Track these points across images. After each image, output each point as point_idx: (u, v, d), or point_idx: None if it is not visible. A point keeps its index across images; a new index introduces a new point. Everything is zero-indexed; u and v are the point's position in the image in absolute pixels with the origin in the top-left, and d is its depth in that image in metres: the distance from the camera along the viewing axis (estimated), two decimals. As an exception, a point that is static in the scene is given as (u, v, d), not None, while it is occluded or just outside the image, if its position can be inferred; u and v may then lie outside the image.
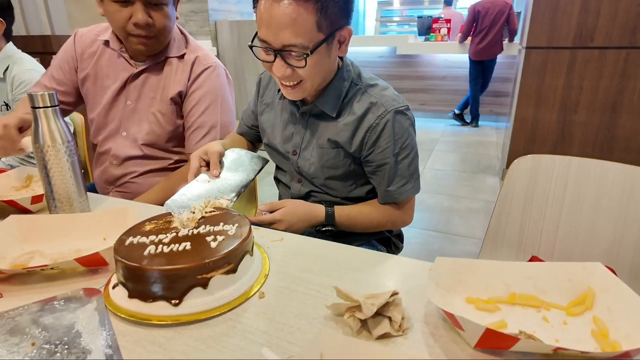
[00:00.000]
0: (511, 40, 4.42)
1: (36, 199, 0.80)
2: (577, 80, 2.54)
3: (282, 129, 0.94)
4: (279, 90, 0.93)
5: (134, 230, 0.58)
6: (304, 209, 0.86)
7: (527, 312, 0.51)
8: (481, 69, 4.50)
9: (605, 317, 0.47)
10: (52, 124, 0.73)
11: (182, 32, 1.12)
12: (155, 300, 0.50)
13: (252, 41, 0.77)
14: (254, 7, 0.76)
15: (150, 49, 1.02)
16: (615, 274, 0.72)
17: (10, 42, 1.44)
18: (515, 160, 0.98)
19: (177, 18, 1.04)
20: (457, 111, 4.91)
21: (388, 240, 0.98)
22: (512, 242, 0.99)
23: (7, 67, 1.40)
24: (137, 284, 0.50)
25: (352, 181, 0.92)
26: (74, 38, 1.11)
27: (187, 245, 0.53)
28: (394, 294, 0.49)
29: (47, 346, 0.45)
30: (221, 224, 0.59)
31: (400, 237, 1.03)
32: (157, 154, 1.12)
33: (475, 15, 4.32)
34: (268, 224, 0.82)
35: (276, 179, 1.04)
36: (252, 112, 1.03)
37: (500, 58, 4.53)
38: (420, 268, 0.62)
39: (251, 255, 0.58)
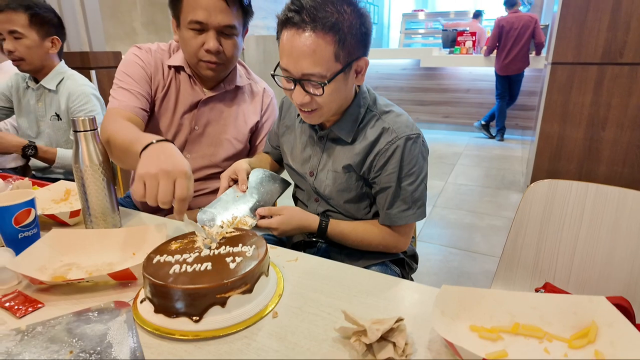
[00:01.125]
0: (538, 53, 4.35)
1: (74, 214, 0.87)
2: (605, 96, 2.48)
3: (301, 150, 0.98)
4: (299, 114, 0.98)
5: (161, 249, 0.63)
6: (299, 218, 0.91)
7: (529, 342, 0.52)
8: (507, 84, 4.45)
9: (608, 351, 0.48)
10: (91, 147, 0.80)
11: (241, 63, 1.20)
12: (178, 316, 0.54)
13: (274, 70, 0.82)
14: (277, 38, 0.81)
15: (217, 76, 1.08)
16: (630, 306, 0.72)
17: (62, 60, 1.56)
18: (532, 184, 0.99)
19: (243, 49, 1.10)
20: (483, 122, 4.85)
21: (402, 261, 1.00)
22: (528, 265, 0.99)
23: (61, 81, 1.51)
24: (163, 300, 0.55)
25: (366, 203, 0.95)
26: (150, 54, 1.09)
27: (209, 265, 0.58)
28: (399, 320, 0.51)
29: (83, 355, 0.50)
30: (240, 245, 0.63)
31: (414, 257, 1.05)
32: (216, 177, 1.17)
33: (500, 31, 4.29)
34: (265, 228, 0.88)
35: (294, 197, 1.08)
36: (275, 133, 1.09)
37: (527, 71, 4.46)
38: (428, 294, 0.64)
39: (266, 275, 0.62)
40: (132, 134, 0.84)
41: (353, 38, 0.76)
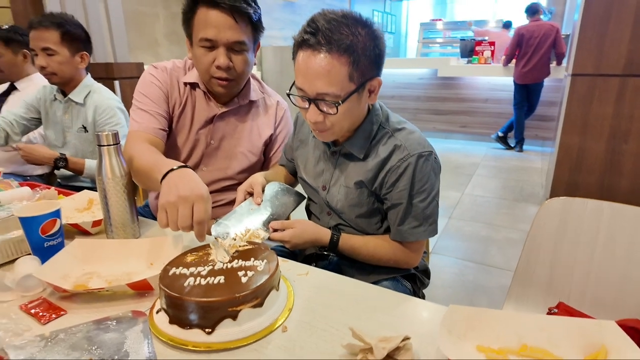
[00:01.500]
0: (559, 63, 4.29)
1: (96, 223, 0.91)
2: (627, 109, 2.43)
3: (314, 164, 1.00)
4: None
5: (177, 261, 0.66)
6: (311, 232, 0.92)
7: None
8: (526, 93, 4.40)
9: (616, 377, 0.48)
10: (114, 160, 0.83)
11: (255, 77, 1.23)
12: (191, 328, 0.56)
13: (290, 89, 0.84)
14: (293, 58, 0.84)
15: (229, 91, 1.10)
16: None
17: (89, 73, 1.63)
18: (547, 201, 0.98)
19: (254, 64, 1.13)
20: (500, 134, 4.80)
21: (413, 277, 1.00)
22: (541, 283, 0.98)
23: (87, 94, 1.58)
24: (177, 311, 0.57)
25: (377, 219, 0.96)
26: (166, 72, 1.12)
27: (221, 279, 0.60)
28: (406, 338, 0.52)
29: (104, 362, 0.53)
30: (252, 259, 0.65)
31: (426, 272, 1.05)
32: (233, 188, 1.20)
33: (520, 39, 4.25)
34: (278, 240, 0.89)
35: (307, 210, 1.10)
36: (290, 146, 1.11)
37: (547, 81, 4.40)
38: (437, 312, 0.64)
39: (277, 290, 0.63)
40: (152, 160, 0.89)
41: (367, 59, 0.78)
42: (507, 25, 5.52)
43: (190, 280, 0.60)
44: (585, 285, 0.92)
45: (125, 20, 3.10)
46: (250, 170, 1.21)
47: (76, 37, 1.52)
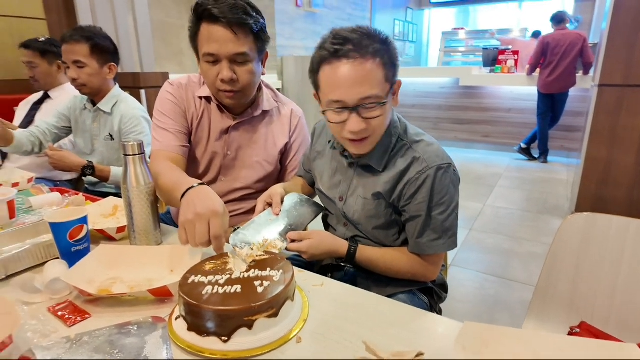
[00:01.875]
0: (586, 73, 4.18)
1: (120, 230, 0.94)
2: (658, 121, 2.34)
3: (331, 176, 1.01)
4: (330, 141, 1.01)
5: (196, 269, 0.67)
6: (329, 243, 0.92)
7: None
8: (550, 103, 4.30)
9: (639, 403, 0.47)
10: (138, 169, 0.87)
11: (268, 87, 1.25)
12: (208, 335, 0.58)
13: (323, 110, 0.85)
14: (313, 77, 0.86)
15: (238, 102, 1.12)
16: None
17: (117, 83, 1.70)
18: (569, 217, 0.96)
19: (263, 74, 1.15)
20: (523, 145, 4.69)
21: (430, 291, 0.99)
22: (563, 301, 0.95)
23: (115, 104, 1.65)
24: (195, 319, 0.59)
25: (395, 230, 0.96)
26: (182, 88, 1.17)
27: (238, 288, 0.61)
28: (420, 354, 0.52)
29: (124, 366, 0.54)
30: (268, 269, 0.66)
31: (444, 287, 1.04)
32: (251, 197, 1.23)
33: (545, 47, 4.17)
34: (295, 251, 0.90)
35: (325, 221, 1.11)
36: (307, 158, 1.13)
37: (573, 91, 4.29)
38: (452, 328, 0.64)
39: (292, 300, 0.64)
40: (174, 179, 0.94)
41: (391, 61, 0.83)
42: (536, 34, 5.43)
43: (209, 288, 0.61)
44: (609, 306, 0.89)
45: (152, 31, 3.21)
46: (267, 179, 1.23)
47: (104, 50, 1.59)
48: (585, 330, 0.84)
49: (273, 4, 4.01)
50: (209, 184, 1.22)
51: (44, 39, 1.95)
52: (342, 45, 0.79)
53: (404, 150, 0.91)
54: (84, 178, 1.77)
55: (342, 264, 1.01)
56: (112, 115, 1.64)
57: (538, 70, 4.34)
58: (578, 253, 0.93)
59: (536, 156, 4.67)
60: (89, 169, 1.57)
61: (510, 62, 4.80)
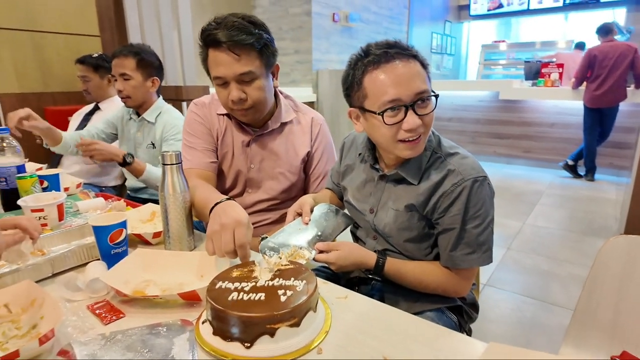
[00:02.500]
0: (638, 86, 3.94)
1: (156, 235, 0.99)
2: None
3: (361, 188, 1.01)
4: (360, 153, 1.02)
5: (223, 275, 0.70)
6: (357, 254, 0.92)
7: None
8: (598, 118, 4.08)
9: None
10: (175, 178, 0.91)
11: (287, 97, 1.28)
12: (232, 341, 0.60)
13: (380, 112, 0.84)
14: (355, 88, 0.88)
15: (252, 118, 1.16)
16: None
17: (160, 96, 1.80)
18: (612, 238, 0.90)
19: (276, 86, 1.18)
20: (569, 161, 4.46)
21: (460, 309, 0.97)
22: (604, 327, 0.90)
23: (159, 114, 1.75)
24: (220, 323, 0.61)
25: (427, 244, 0.95)
26: (205, 107, 1.23)
27: (262, 296, 0.63)
28: (441, 372, 0.51)
29: (153, 365, 0.57)
30: (292, 279, 0.68)
31: (474, 306, 1.01)
32: (277, 207, 1.27)
33: (592, 60, 3.99)
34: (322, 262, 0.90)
35: (353, 233, 1.11)
36: (336, 171, 1.14)
37: (624, 105, 4.06)
38: (477, 348, 0.62)
39: (314, 311, 0.65)
40: (203, 196, 1.00)
41: (428, 70, 0.87)
42: (580, 46, 5.21)
43: (234, 294, 0.63)
44: (656, 335, 0.83)
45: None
46: (291, 189, 1.25)
47: (149, 64, 1.69)
48: (627, 360, 0.79)
49: (310, 19, 4.10)
50: (236, 197, 1.26)
51: (96, 55, 2.10)
52: (388, 48, 0.83)
53: (438, 163, 0.90)
54: (125, 183, 1.87)
55: (370, 277, 1.01)
56: (155, 125, 1.73)
57: (584, 83, 4.15)
58: (621, 277, 0.88)
59: (582, 174, 4.42)
60: (129, 156, 1.58)
61: (555, 75, 4.62)
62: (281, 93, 1.26)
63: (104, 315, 0.70)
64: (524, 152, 5.06)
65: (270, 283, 0.67)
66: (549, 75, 4.64)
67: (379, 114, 0.84)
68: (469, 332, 1.02)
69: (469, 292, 0.97)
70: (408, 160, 0.91)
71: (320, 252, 0.90)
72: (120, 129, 1.87)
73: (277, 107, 1.22)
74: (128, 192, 1.91)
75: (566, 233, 2.96)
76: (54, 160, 2.08)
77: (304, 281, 0.67)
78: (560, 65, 4.62)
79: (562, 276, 2.30)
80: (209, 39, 1.04)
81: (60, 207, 1.02)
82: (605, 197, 3.77)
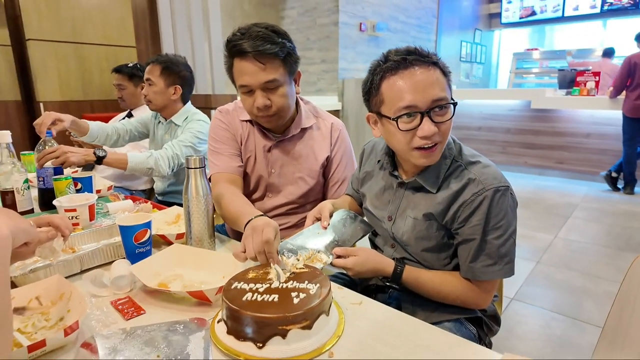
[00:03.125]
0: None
1: (179, 236, 1.02)
2: None
3: (380, 195, 1.01)
4: (379, 160, 1.02)
5: (240, 276, 0.72)
6: (375, 261, 0.90)
7: None
8: (638, 128, 3.88)
9: None
10: (198, 181, 0.94)
11: (307, 103, 1.30)
12: (245, 340, 0.61)
13: (394, 118, 0.84)
14: (373, 93, 0.88)
15: (275, 124, 1.20)
16: None
17: (189, 102, 1.87)
18: (644, 253, 0.86)
19: (298, 92, 1.21)
20: (612, 172, 4.21)
21: (480, 321, 0.94)
22: (635, 348, 0.85)
23: (186, 118, 1.81)
24: (234, 323, 0.62)
25: (446, 254, 0.93)
26: (229, 114, 1.27)
27: (276, 297, 0.64)
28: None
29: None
30: (306, 282, 0.68)
31: (495, 318, 0.98)
32: (296, 211, 1.29)
33: (632, 68, 3.82)
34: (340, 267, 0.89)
35: (371, 241, 1.10)
36: (356, 178, 1.14)
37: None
38: (490, 359, 0.60)
39: (327, 315, 0.65)
40: (236, 207, 1.05)
41: (449, 77, 0.86)
42: (608, 53, 4.98)
43: (249, 295, 0.65)
44: (693, 357, 0.77)
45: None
46: (310, 193, 1.27)
47: (173, 72, 1.75)
48: (660, 383, 0.74)
49: (337, 29, 4.15)
50: (257, 200, 1.29)
51: (132, 64, 2.21)
52: (406, 54, 0.83)
53: (459, 172, 0.89)
54: (154, 187, 1.94)
55: (387, 284, 1.00)
56: (182, 127, 1.80)
57: (624, 92, 3.97)
58: (654, 294, 0.83)
59: (620, 187, 4.20)
60: (100, 150, 1.48)
61: (590, 84, 4.44)
62: (301, 99, 1.28)
63: (125, 311, 0.73)
64: (557, 163, 4.87)
65: (285, 285, 0.68)
66: (585, 84, 4.47)
67: (393, 119, 0.84)
68: (488, 345, 0.99)
69: (490, 304, 0.94)
70: (427, 168, 0.90)
71: (338, 257, 0.90)
72: (151, 131, 1.96)
73: (297, 113, 1.25)
74: (156, 195, 1.98)
75: (601, 248, 2.82)
76: (88, 165, 2.19)
77: (318, 284, 0.67)
78: (597, 74, 4.44)
79: (596, 293, 2.19)
80: (234, 50, 1.08)
81: (91, 208, 1.07)
82: (645, 212, 3.57)
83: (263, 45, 1.05)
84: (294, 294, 0.64)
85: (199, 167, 0.95)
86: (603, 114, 4.41)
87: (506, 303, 2.10)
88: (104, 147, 1.56)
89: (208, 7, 3.23)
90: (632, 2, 6.12)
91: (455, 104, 0.84)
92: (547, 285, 2.30)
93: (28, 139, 3.80)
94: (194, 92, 1.90)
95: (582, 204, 3.83)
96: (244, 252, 0.81)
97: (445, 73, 0.86)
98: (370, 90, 0.89)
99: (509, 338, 1.81)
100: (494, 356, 0.61)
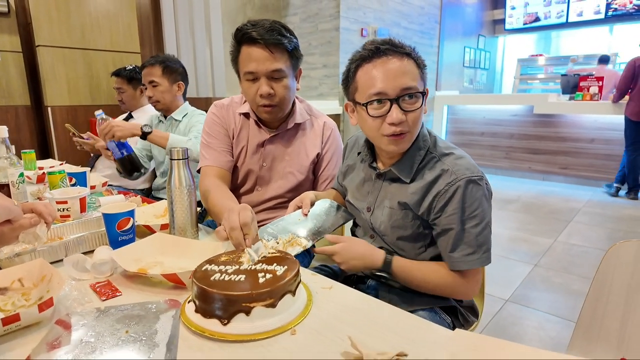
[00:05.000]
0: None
1: (164, 226, 1.05)
2: None
3: (360, 187, 1.03)
4: (359, 153, 1.04)
5: (212, 260, 0.74)
6: (363, 249, 0.91)
7: None
8: (636, 132, 3.85)
9: None
10: (182, 172, 0.97)
11: (303, 102, 1.34)
12: (211, 317, 0.63)
13: (365, 103, 0.88)
14: (350, 80, 0.92)
15: (275, 116, 1.23)
16: None
17: (187, 101, 1.92)
18: (617, 244, 0.87)
19: (297, 89, 1.25)
20: (615, 184, 4.16)
21: (455, 310, 0.95)
22: (610, 339, 0.85)
23: (186, 114, 1.87)
24: (201, 301, 0.64)
25: (422, 244, 0.94)
26: (224, 109, 1.30)
27: (243, 277, 0.66)
28: (402, 354, 0.51)
29: (134, 335, 0.61)
30: (275, 264, 0.70)
31: (473, 310, 0.98)
32: (284, 206, 1.31)
33: (636, 71, 3.80)
34: (329, 255, 0.90)
35: (353, 232, 1.12)
36: (341, 172, 1.16)
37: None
38: (447, 336, 0.61)
39: (293, 295, 0.67)
40: (221, 202, 1.09)
41: (423, 69, 0.89)
42: (603, 60, 4.96)
43: (217, 275, 0.67)
44: (663, 346, 0.78)
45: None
46: (299, 188, 1.29)
47: (174, 70, 1.83)
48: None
49: (339, 34, 4.20)
50: (246, 193, 1.31)
51: (130, 67, 2.27)
52: (380, 45, 0.87)
53: (433, 163, 0.91)
54: (152, 185, 1.98)
55: (372, 275, 1.01)
56: (182, 122, 1.85)
57: (626, 97, 3.95)
58: (629, 284, 0.83)
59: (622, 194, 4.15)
60: (147, 126, 1.60)
61: (594, 89, 4.42)
62: (297, 98, 1.31)
63: (103, 292, 0.76)
64: (561, 168, 4.83)
65: (254, 267, 0.70)
66: (588, 89, 4.45)
67: (364, 104, 0.87)
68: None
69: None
70: (401, 159, 0.92)
71: (317, 240, 0.91)
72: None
73: (293, 109, 1.28)
74: (153, 192, 2.02)
75: (602, 252, 2.76)
76: (89, 164, 2.24)
77: (286, 267, 0.69)
78: (600, 79, 4.43)
79: (593, 296, 2.16)
80: (245, 37, 1.12)
81: (82, 201, 1.11)
82: (649, 217, 3.52)
83: (273, 35, 1.10)
84: (260, 275, 0.66)
85: (182, 159, 0.97)
86: (607, 119, 4.39)
87: (500, 304, 2.09)
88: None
89: (210, 13, 3.30)
90: (636, 7, 6.10)
91: (424, 95, 0.87)
92: (544, 288, 2.28)
93: (36, 143, 3.89)
94: (195, 96, 1.96)
95: (585, 209, 3.79)
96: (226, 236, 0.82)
97: (420, 65, 0.88)
98: (348, 79, 0.92)
99: (500, 337, 1.79)
100: (450, 334, 0.62)
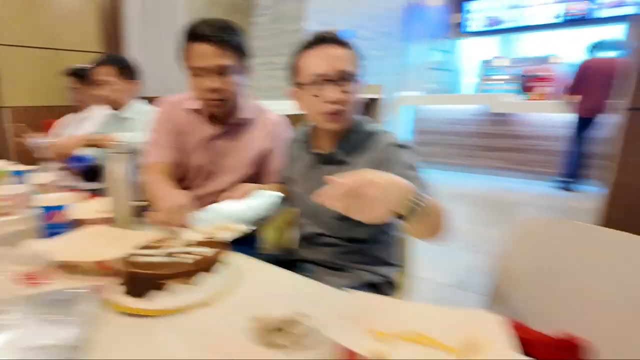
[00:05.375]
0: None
1: (103, 220, 1.07)
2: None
3: (305, 175, 1.10)
4: (298, 140, 1.15)
5: (142, 246, 0.78)
6: (387, 176, 0.67)
7: (418, 348, 0.53)
8: (586, 128, 4.13)
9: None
10: (118, 165, 1.01)
11: (252, 99, 1.38)
12: (127, 294, 0.67)
13: (306, 82, 0.97)
14: (294, 66, 1.01)
15: (223, 111, 1.26)
16: (579, 345, 0.67)
17: (146, 100, 1.94)
18: (521, 222, 0.96)
19: (246, 85, 1.29)
20: (565, 179, 4.44)
21: (375, 287, 1.03)
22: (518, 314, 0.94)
23: (139, 112, 1.85)
24: (123, 281, 0.69)
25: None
26: (171, 105, 1.32)
27: (162, 259, 0.71)
28: (303, 315, 0.58)
29: (52, 316, 0.64)
30: (200, 247, 0.76)
31: (391, 285, 1.06)
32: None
33: (586, 72, 4.08)
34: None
35: (299, 223, 1.17)
36: (286, 164, 1.23)
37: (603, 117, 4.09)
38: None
39: (213, 273, 0.72)
40: (159, 193, 1.09)
41: (361, 61, 1.00)
42: (545, 60, 5.32)
43: (139, 258, 0.71)
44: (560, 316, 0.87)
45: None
46: (247, 182, 1.32)
47: (130, 69, 1.84)
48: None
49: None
50: (193, 188, 1.34)
51: (83, 66, 2.26)
52: (325, 34, 0.98)
53: (368, 140, 1.02)
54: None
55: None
56: (135, 120, 1.84)
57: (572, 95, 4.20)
58: (530, 260, 0.93)
59: (569, 187, 4.42)
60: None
61: (544, 89, 4.68)
62: (247, 95, 1.35)
63: (32, 282, 0.78)
64: (514, 164, 5.07)
65: (176, 250, 0.75)
66: (539, 89, 4.71)
67: (305, 84, 0.97)
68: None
69: (389, 271, 1.05)
70: (341, 141, 1.02)
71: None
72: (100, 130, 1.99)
73: (241, 104, 1.31)
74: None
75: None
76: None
77: (207, 249, 0.74)
78: (548, 79, 4.69)
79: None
80: (195, 33, 1.16)
81: (22, 198, 1.12)
82: (582, 208, 3.74)
83: (222, 32, 1.15)
84: (183, 256, 0.71)
85: (119, 152, 1.01)
86: (557, 118, 4.64)
87: (443, 289, 2.22)
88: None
89: (176, 12, 3.29)
90: (584, 13, 6.46)
91: (359, 79, 0.97)
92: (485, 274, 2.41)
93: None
94: (160, 95, 1.96)
95: (532, 201, 4.03)
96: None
97: (358, 56, 0.99)
98: (293, 64, 1.01)
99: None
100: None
